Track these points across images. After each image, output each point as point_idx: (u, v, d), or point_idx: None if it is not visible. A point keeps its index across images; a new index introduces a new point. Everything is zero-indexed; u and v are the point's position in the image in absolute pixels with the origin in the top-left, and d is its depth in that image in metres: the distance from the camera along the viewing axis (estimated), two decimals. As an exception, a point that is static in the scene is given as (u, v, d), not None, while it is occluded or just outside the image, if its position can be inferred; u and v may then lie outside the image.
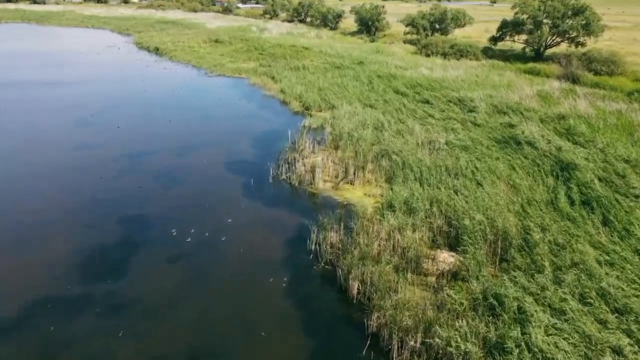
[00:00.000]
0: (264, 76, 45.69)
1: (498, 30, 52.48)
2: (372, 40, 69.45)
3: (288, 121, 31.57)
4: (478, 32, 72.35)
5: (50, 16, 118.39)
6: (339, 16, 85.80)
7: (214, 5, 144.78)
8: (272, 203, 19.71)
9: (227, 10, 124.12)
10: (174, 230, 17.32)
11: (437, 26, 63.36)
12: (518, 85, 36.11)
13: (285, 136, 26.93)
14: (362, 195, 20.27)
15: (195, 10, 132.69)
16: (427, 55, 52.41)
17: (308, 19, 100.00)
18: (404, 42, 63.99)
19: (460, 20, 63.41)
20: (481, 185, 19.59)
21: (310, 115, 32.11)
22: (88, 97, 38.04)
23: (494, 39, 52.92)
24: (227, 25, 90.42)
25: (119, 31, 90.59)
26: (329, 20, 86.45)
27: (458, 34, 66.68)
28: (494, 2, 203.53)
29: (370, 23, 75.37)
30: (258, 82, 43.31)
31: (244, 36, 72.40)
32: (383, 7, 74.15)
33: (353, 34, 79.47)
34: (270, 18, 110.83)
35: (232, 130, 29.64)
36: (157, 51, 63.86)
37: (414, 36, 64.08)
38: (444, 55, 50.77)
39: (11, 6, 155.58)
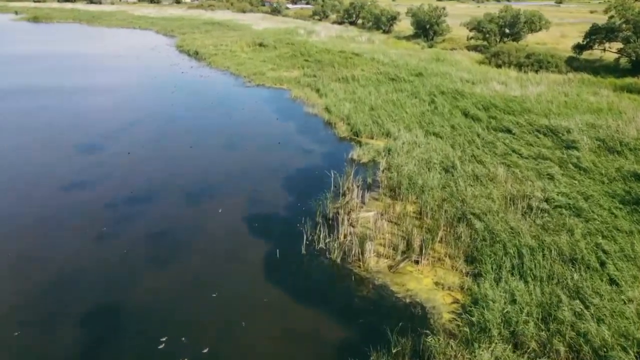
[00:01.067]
0: (308, 88, 40.05)
1: (586, 36, 44.29)
2: (431, 46, 62.39)
3: (332, 151, 25.69)
4: (553, 38, 63.65)
5: (102, 16, 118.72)
6: (393, 18, 79.06)
7: (263, 5, 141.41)
8: (301, 295, 13.76)
9: (275, 11, 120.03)
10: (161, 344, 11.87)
11: (507, 31, 55.47)
12: (624, 110, 28.48)
13: (326, 176, 21.06)
14: (432, 285, 14.07)
15: (244, 11, 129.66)
16: (498, 66, 44.99)
17: (359, 21, 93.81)
18: (468, 48, 56.55)
19: (535, 24, 55.23)
20: (617, 284, 12.92)
21: (360, 144, 26.07)
22: (104, 111, 33.69)
23: (580, 47, 44.76)
24: (274, 27, 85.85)
25: (164, 32, 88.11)
26: (382, 23, 79.88)
27: (530, 40, 58.43)
28: (560, 3, 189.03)
29: (428, 26, 68.26)
30: (300, 96, 37.71)
31: (290, 40, 67.29)
32: (444, 8, 66.81)
33: (408, 38, 72.59)
34: (320, 19, 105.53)
35: (262, 164, 23.92)
36: (196, 55, 59.84)
37: (480, 42, 56.48)
38: (519, 66, 43.21)
39: (68, 5, 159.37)
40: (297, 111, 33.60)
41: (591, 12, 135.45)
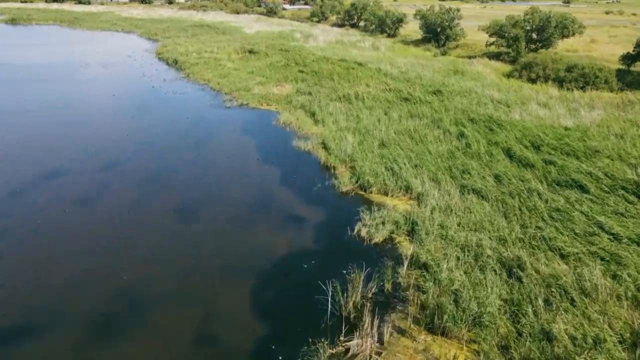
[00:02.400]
0: (301, 110, 32.28)
1: (637, 45, 36.56)
2: (444, 53, 54.62)
3: (328, 221, 17.83)
4: (582, 44, 55.83)
5: (85, 18, 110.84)
6: (399, 21, 71.25)
7: (259, 6, 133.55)
8: None
9: (271, 12, 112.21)
10: None
11: (535, 36, 47.71)
12: None
13: (318, 285, 13.32)
14: None
15: (237, 12, 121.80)
16: (531, 81, 37.21)
17: (361, 23, 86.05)
18: (489, 57, 48.80)
19: (567, 28, 47.46)
20: None
21: (369, 206, 18.26)
22: (23, 147, 25.71)
23: (630, 58, 37.11)
24: (268, 31, 78.09)
25: (147, 36, 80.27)
26: (387, 26, 72.07)
27: (559, 47, 50.62)
28: (568, 3, 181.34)
29: (439, 30, 60.50)
30: (291, 122, 29.93)
31: (284, 45, 59.60)
32: (457, 10, 59.03)
33: (417, 43, 64.85)
34: (318, 21, 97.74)
35: (222, 258, 15.67)
36: (175, 64, 52.04)
37: (503, 49, 48.71)
38: (560, 82, 35.41)
39: (54, 6, 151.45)
40: (286, 146, 25.75)
41: (606, 12, 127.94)
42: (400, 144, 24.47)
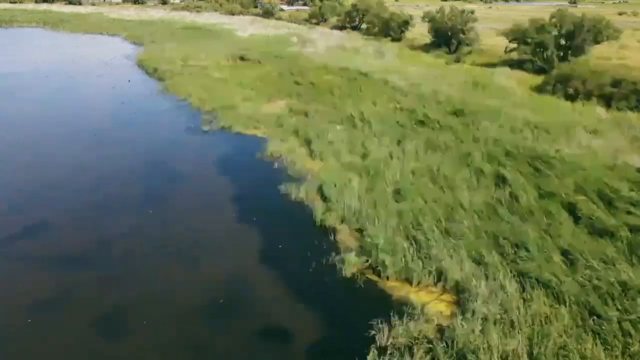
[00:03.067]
0: (294, 137, 26.33)
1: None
2: (457, 60, 48.65)
3: (329, 338, 11.89)
4: (612, 50, 49.78)
5: (71, 20, 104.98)
6: (405, 24, 65.26)
7: (255, 7, 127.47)
8: None
9: (267, 14, 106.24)
10: None
11: (564, 42, 41.77)
12: None
13: None
14: None
15: (232, 13, 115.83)
16: (569, 98, 31.23)
17: (363, 26, 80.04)
18: (511, 66, 42.83)
19: (601, 33, 41.51)
20: None
21: (386, 308, 12.34)
22: None
23: (686, 71, 31.10)
24: (263, 34, 72.17)
25: (132, 40, 74.33)
26: (392, 29, 66.07)
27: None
28: (574, 3, 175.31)
29: (450, 34, 54.57)
30: (281, 154, 23.97)
31: (279, 52, 53.69)
32: (472, 12, 53.10)
33: (425, 48, 58.90)
34: (317, 23, 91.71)
35: None
36: (155, 73, 46.12)
37: (527, 56, 42.75)
38: (606, 99, 29.46)
39: (43, 7, 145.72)
40: (271, 194, 19.72)
41: (619, 14, 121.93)
42: (421, 191, 18.51)
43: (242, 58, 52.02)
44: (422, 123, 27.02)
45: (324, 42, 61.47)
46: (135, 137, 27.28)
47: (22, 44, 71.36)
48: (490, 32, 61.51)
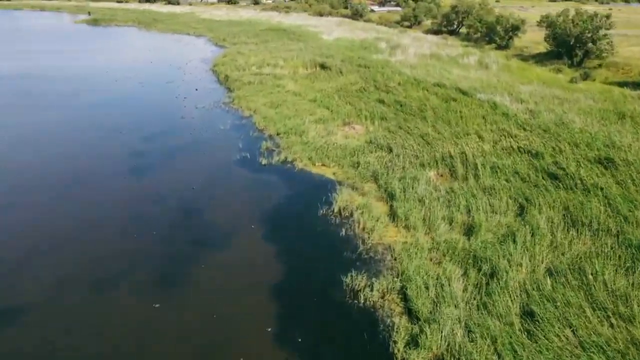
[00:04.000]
0: (371, 185, 19.95)
1: None
2: (585, 77, 39.00)
3: None
4: None
5: (164, 19, 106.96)
6: (515, 29, 55.67)
7: (345, 8, 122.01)
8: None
9: (356, 15, 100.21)
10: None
11: None
12: None
13: None
14: None
15: (321, 14, 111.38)
16: None
17: (462, 30, 71.13)
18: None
19: None
20: None
21: None
22: None
23: None
24: (349, 38, 66.24)
25: (216, 41, 72.13)
26: (498, 35, 56.81)
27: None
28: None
29: (572, 42, 44.70)
30: (352, 211, 17.73)
31: (365, 59, 47.37)
32: (607, 17, 42.82)
33: (538, 58, 49.40)
34: (410, 26, 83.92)
35: None
36: (226, 81, 42.03)
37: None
38: None
39: (144, 6, 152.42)
40: (331, 280, 13.59)
41: None
42: (567, 317, 11.28)
43: (322, 66, 46.51)
44: (553, 177, 19.27)
45: (416, 48, 54.03)
46: (186, 167, 22.53)
47: (110, 45, 72.02)
48: (620, 40, 50.19)
